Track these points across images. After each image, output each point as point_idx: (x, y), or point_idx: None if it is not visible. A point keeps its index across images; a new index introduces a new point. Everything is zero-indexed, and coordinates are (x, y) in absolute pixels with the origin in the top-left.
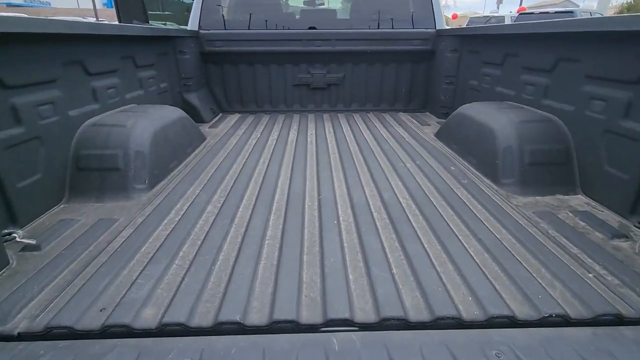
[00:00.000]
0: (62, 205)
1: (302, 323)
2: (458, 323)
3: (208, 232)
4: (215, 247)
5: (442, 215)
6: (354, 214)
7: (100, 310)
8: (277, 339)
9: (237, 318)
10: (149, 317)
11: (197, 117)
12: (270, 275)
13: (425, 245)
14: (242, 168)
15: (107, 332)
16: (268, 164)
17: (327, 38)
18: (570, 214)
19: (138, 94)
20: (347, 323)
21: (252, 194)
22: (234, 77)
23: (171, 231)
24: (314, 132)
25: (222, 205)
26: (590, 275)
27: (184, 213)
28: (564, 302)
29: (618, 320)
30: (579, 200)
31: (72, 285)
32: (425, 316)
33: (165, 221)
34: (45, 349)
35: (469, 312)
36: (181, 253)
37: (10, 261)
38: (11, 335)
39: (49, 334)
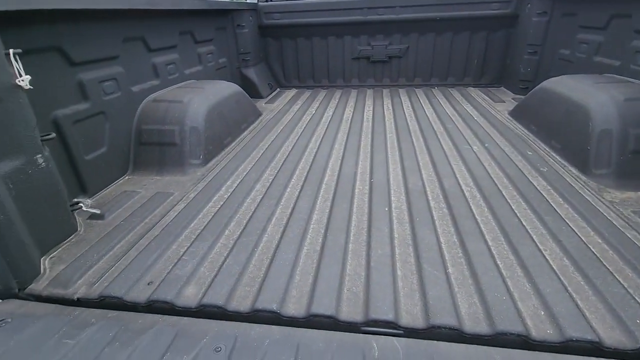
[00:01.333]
0: (126, 177)
1: (341, 320)
2: (524, 342)
3: (254, 212)
4: (260, 229)
5: (512, 209)
6: (408, 202)
7: (148, 284)
8: (312, 335)
9: (274, 307)
10: (190, 296)
11: (255, 93)
12: (312, 263)
13: (490, 244)
14: (293, 146)
15: (152, 307)
16: (320, 143)
17: (391, 5)
18: None
19: (197, 70)
20: (390, 325)
21: (302, 174)
22: (291, 51)
23: (220, 208)
24: (371, 109)
25: (270, 185)
26: None
27: (233, 191)
28: None
29: None
30: None
31: (127, 256)
32: (483, 329)
33: (215, 198)
34: (97, 317)
35: (540, 330)
36: (227, 232)
37: (79, 228)
38: (72, 300)
39: (102, 302)
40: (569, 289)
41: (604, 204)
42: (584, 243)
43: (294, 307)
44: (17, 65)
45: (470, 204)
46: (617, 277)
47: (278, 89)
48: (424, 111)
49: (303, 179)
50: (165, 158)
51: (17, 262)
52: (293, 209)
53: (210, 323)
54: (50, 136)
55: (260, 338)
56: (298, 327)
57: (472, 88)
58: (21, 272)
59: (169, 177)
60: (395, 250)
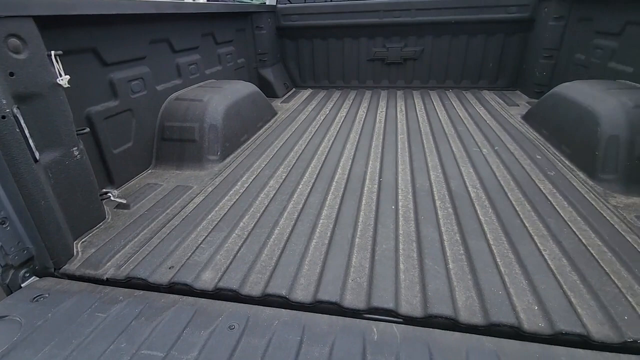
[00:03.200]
0: (149, 170)
1: (345, 306)
2: (516, 333)
3: (267, 206)
4: (272, 222)
5: (516, 211)
6: (414, 201)
7: (169, 268)
8: (318, 319)
9: (283, 292)
10: (207, 280)
11: (271, 92)
12: (319, 255)
13: (491, 242)
14: (306, 145)
15: (173, 288)
16: (332, 142)
17: (406, 8)
18: None
19: (217, 70)
20: (390, 314)
21: (313, 172)
22: (307, 52)
23: (235, 202)
24: (384, 110)
25: (283, 181)
26: None
27: (248, 186)
28: None
29: None
30: None
31: (150, 242)
32: (478, 319)
33: (231, 192)
34: (124, 295)
35: (532, 323)
36: (241, 224)
37: (107, 216)
38: (102, 279)
39: (129, 283)
40: (564, 287)
41: (608, 208)
42: (584, 245)
43: (302, 294)
44: (58, 66)
45: (475, 205)
46: (612, 277)
47: (293, 89)
48: (437, 113)
49: (315, 176)
50: (185, 153)
51: (54, 244)
52: (304, 204)
53: (225, 304)
54: (85, 130)
55: (270, 319)
56: (305, 311)
57: (486, 91)
58: (57, 254)
59: (188, 171)
60: (399, 246)
